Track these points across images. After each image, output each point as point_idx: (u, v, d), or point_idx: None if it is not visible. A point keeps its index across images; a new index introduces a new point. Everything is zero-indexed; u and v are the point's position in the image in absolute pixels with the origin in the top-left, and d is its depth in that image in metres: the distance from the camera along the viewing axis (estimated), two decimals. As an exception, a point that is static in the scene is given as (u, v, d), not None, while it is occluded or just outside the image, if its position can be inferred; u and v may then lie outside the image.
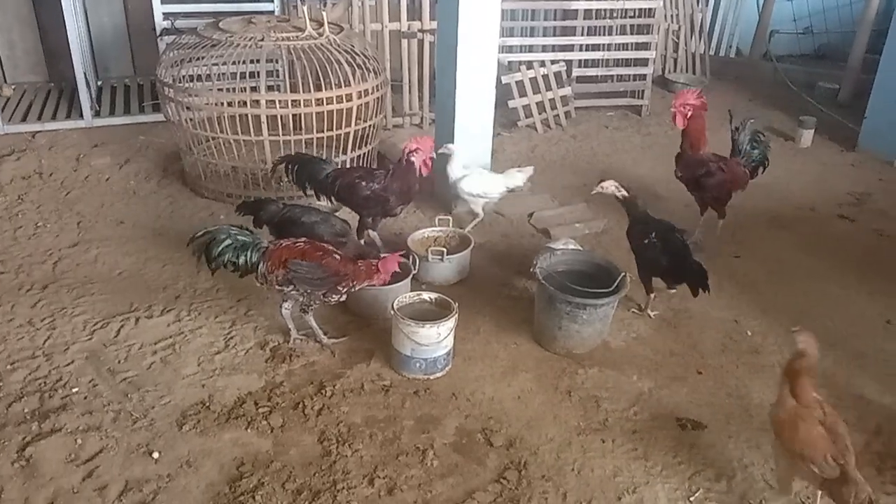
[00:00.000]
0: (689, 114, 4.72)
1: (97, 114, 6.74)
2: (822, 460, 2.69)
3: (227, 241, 3.61)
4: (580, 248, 4.48)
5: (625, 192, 4.12)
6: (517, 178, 5.03)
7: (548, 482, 3.08)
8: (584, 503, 2.99)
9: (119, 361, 3.67)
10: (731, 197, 4.91)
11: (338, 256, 3.63)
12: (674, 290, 4.24)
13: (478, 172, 4.97)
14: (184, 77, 5.20)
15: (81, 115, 6.58)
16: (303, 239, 3.74)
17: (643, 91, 7.64)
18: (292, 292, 3.64)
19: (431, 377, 3.64)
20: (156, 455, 3.11)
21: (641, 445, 3.29)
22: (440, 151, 4.82)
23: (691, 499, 3.03)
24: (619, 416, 3.47)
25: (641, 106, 7.65)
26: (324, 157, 4.87)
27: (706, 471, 3.17)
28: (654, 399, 3.59)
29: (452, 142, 5.03)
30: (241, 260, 3.60)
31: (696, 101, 4.73)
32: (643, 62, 7.58)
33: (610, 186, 4.11)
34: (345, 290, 3.66)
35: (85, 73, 6.56)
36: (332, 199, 4.67)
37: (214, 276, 4.19)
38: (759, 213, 5.56)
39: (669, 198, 5.41)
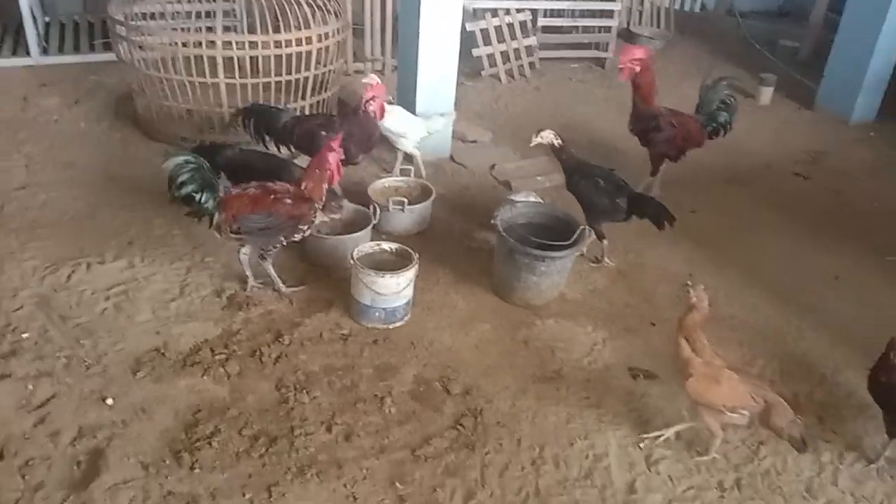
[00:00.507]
0: (638, 68, 4.69)
1: (45, 51, 6.47)
2: (750, 402, 2.89)
3: (196, 174, 3.45)
4: (541, 200, 4.49)
5: (560, 141, 4.13)
6: (438, 122, 4.99)
7: (503, 428, 3.14)
8: (538, 448, 3.06)
9: (70, 307, 3.59)
10: (683, 153, 4.92)
11: (289, 200, 3.53)
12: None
13: (400, 112, 4.91)
14: (136, 15, 5.00)
15: (28, 53, 6.31)
16: (253, 183, 3.61)
17: (608, 44, 7.60)
18: (251, 238, 3.59)
19: (391, 326, 3.65)
20: (109, 401, 3.08)
21: (594, 394, 3.37)
22: (363, 80, 4.74)
23: (641, 445, 3.12)
24: (574, 365, 3.53)
25: (605, 59, 7.61)
26: (280, 106, 4.74)
27: (656, 419, 3.26)
28: (607, 349, 3.66)
29: (415, 89, 4.96)
30: (200, 197, 3.45)
31: (643, 54, 4.70)
32: (608, 14, 7.52)
33: (549, 135, 4.12)
34: (306, 227, 3.61)
35: (31, 8, 6.26)
36: (291, 147, 4.58)
37: (169, 220, 4.13)
38: (717, 170, 5.62)
39: (628, 151, 5.41)
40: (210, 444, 2.91)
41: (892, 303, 4.19)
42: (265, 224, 3.51)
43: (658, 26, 8.57)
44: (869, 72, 6.44)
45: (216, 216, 3.53)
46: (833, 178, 5.72)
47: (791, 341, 3.84)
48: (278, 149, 4.61)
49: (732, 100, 5.02)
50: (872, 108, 6.75)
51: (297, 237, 3.65)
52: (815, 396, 3.48)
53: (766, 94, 7.03)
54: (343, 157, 3.70)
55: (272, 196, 3.54)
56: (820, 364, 3.68)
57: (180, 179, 3.44)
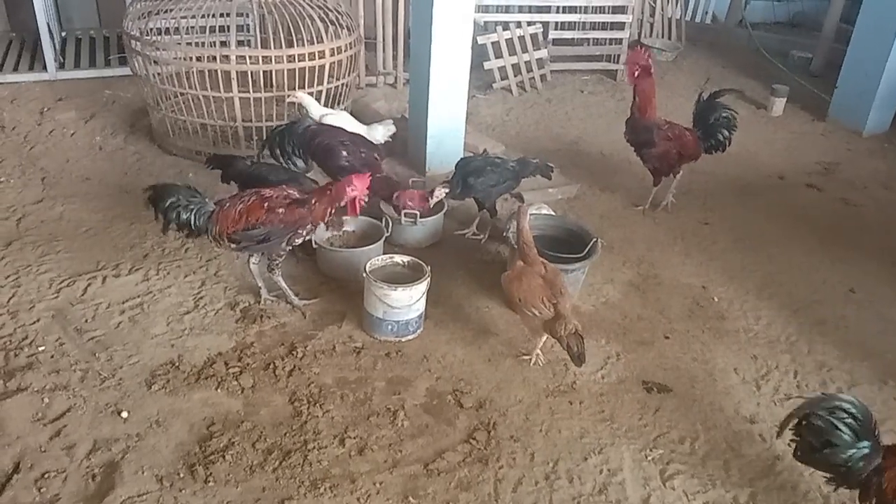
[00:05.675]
0: (637, 73, 4.65)
1: (61, 66, 6.54)
2: (539, 303, 3.31)
3: (173, 199, 3.45)
4: (553, 213, 4.50)
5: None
6: (378, 130, 4.95)
7: (516, 443, 3.13)
8: (551, 463, 3.05)
9: (86, 320, 3.62)
10: (676, 167, 4.89)
11: (281, 210, 3.48)
12: None
13: (338, 114, 4.92)
14: (151, 30, 5.06)
15: (45, 68, 6.38)
16: (251, 191, 3.57)
17: (619, 55, 7.61)
18: (252, 248, 3.59)
19: (403, 339, 3.65)
20: (124, 414, 3.09)
21: (608, 408, 3.35)
22: (288, 100, 5.02)
23: (649, 457, 3.10)
24: (587, 378, 3.52)
25: (616, 70, 7.63)
26: (293, 120, 4.74)
27: (670, 433, 3.24)
28: (621, 363, 3.65)
29: (427, 103, 4.98)
30: (184, 217, 3.44)
31: (644, 62, 4.64)
32: (619, 26, 7.55)
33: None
34: (307, 231, 3.59)
35: (48, 24, 6.34)
36: (307, 155, 4.53)
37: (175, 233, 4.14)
38: (729, 181, 5.61)
39: (639, 163, 5.42)
40: (224, 457, 2.92)
41: (908, 315, 4.16)
42: (262, 236, 3.50)
43: (669, 38, 8.58)
44: (882, 83, 6.42)
45: (210, 229, 3.50)
46: (846, 190, 5.70)
47: (805, 354, 3.82)
48: (295, 164, 4.56)
49: (732, 115, 4.90)
50: (886, 120, 6.74)
51: (298, 241, 3.63)
52: (831, 410, 3.45)
53: (779, 105, 7.02)
54: (365, 194, 3.59)
55: (265, 205, 3.48)
56: (836, 378, 3.65)
57: (161, 208, 3.45)
